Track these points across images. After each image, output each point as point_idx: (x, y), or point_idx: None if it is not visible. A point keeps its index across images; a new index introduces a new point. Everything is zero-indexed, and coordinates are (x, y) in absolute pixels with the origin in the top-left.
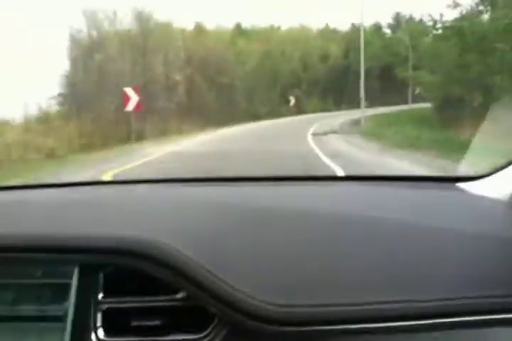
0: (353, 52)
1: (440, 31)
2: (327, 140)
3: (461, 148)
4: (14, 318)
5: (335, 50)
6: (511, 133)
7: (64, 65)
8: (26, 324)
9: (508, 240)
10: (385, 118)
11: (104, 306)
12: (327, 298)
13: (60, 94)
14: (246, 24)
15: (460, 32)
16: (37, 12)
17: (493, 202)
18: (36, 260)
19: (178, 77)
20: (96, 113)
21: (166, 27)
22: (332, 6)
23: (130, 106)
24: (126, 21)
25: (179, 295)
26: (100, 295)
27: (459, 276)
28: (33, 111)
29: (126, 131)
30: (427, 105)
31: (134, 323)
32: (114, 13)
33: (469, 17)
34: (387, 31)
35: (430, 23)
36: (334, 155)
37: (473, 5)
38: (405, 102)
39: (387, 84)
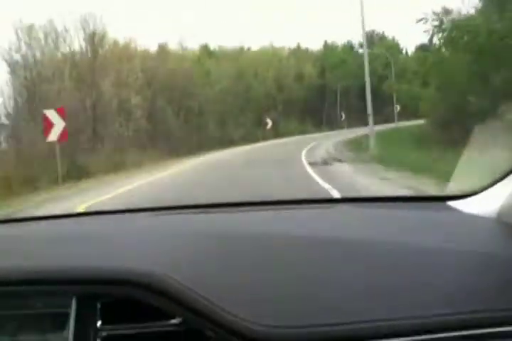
0: (328, 72)
1: (446, 34)
2: (336, 173)
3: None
4: None
5: (309, 69)
6: (500, 149)
7: None
8: None
9: (497, 255)
10: (383, 139)
11: (103, 333)
12: (319, 318)
13: None
14: (214, 45)
15: (474, 31)
16: None
17: (482, 219)
18: (35, 292)
19: (135, 99)
20: (24, 144)
21: (120, 47)
22: (302, 25)
23: (53, 135)
24: (75, 40)
25: (175, 321)
26: (98, 323)
27: (450, 293)
28: None
29: (67, 168)
30: (412, 123)
31: None
32: (65, 31)
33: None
34: (360, 50)
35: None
36: None
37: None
38: (385, 121)
39: (364, 103)
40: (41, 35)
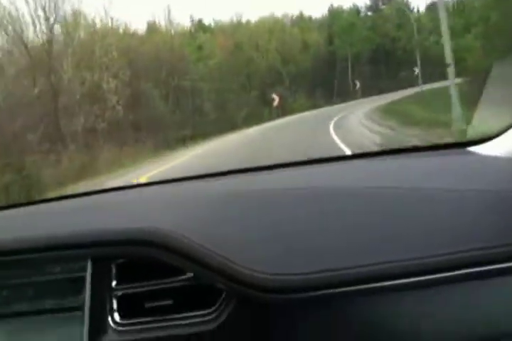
0: (336, 38)
1: None
2: None
3: None
4: (36, 312)
5: (315, 37)
6: None
7: None
8: (47, 316)
9: None
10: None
11: (118, 292)
12: (331, 263)
13: None
14: (209, 20)
15: None
16: None
17: (502, 160)
18: (53, 258)
19: (108, 84)
20: None
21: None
22: None
23: None
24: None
25: (187, 276)
26: (114, 283)
27: (469, 232)
28: None
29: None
30: (442, 84)
31: (147, 305)
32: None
33: None
34: (369, 13)
35: None
36: None
37: None
38: (401, 87)
39: (379, 69)
40: None
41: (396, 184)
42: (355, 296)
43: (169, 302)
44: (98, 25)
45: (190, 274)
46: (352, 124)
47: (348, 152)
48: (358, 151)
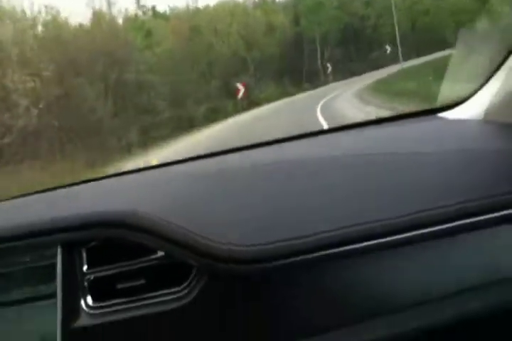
0: (304, 18)
1: None
2: None
3: None
4: (9, 303)
5: (281, 19)
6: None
7: None
8: (21, 306)
9: (483, 151)
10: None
11: (90, 276)
12: (308, 229)
13: None
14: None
15: None
16: None
17: (470, 122)
18: (22, 247)
19: (15, 84)
20: None
21: None
22: None
23: None
24: None
25: (157, 255)
26: (85, 268)
27: (438, 188)
28: None
29: None
30: (425, 59)
31: (119, 286)
32: None
33: None
34: None
35: None
36: None
37: None
38: (373, 68)
39: (349, 50)
40: None
41: (372, 151)
42: (331, 260)
43: (141, 282)
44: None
45: (161, 253)
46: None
47: None
48: None
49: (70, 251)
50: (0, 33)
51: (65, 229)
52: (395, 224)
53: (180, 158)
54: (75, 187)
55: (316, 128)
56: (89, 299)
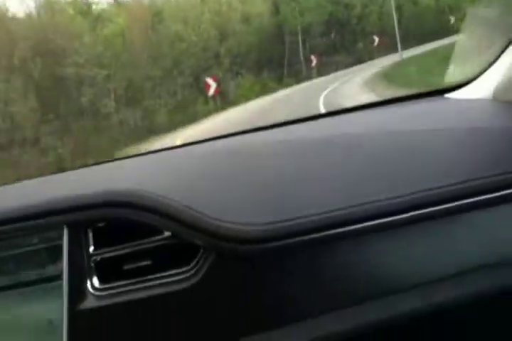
0: (284, 6)
1: None
2: None
3: None
4: (16, 285)
5: (259, 6)
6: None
7: None
8: (29, 288)
9: (492, 130)
10: None
11: (97, 257)
12: (310, 209)
13: None
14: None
15: None
16: None
17: (478, 102)
18: (28, 228)
19: None
20: None
21: None
22: None
23: None
24: None
25: (164, 235)
26: (91, 249)
27: (445, 167)
28: None
29: None
30: (422, 50)
31: (126, 267)
32: None
33: None
34: None
35: None
36: None
37: None
38: (360, 61)
39: (333, 41)
40: None
41: (379, 132)
42: (338, 239)
43: (148, 262)
44: None
45: (168, 233)
46: None
47: None
48: None
49: (77, 232)
50: None
51: (70, 210)
52: (401, 203)
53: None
54: (83, 170)
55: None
56: (95, 280)
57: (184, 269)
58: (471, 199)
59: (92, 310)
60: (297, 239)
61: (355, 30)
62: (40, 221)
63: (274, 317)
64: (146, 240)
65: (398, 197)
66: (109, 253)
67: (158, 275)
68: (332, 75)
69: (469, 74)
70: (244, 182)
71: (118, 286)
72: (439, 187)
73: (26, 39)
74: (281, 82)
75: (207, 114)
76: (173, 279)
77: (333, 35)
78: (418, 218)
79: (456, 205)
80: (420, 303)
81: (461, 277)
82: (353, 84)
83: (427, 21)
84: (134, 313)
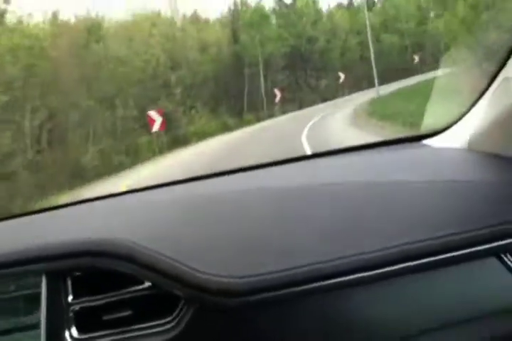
0: (245, 35)
1: None
2: None
3: None
4: None
5: (217, 33)
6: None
7: None
8: (4, 337)
9: (468, 181)
10: None
11: (75, 307)
12: (289, 262)
13: None
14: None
15: None
16: None
17: (454, 151)
18: (6, 275)
19: None
20: None
21: None
22: None
23: None
24: None
25: (144, 285)
26: (70, 298)
27: (423, 220)
28: None
29: None
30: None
31: (105, 317)
32: None
33: None
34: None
35: None
36: None
37: None
38: (324, 99)
39: (296, 75)
40: None
41: (356, 179)
42: (318, 293)
43: (128, 313)
44: None
45: (148, 283)
46: None
47: None
48: None
49: (55, 280)
50: None
51: (49, 258)
52: (380, 257)
53: (153, 184)
54: (48, 213)
55: None
56: (74, 330)
57: (165, 320)
58: (449, 254)
59: None
60: (276, 292)
61: (318, 66)
62: (19, 268)
63: None
64: (126, 290)
65: (375, 251)
66: (88, 302)
67: (138, 326)
68: (301, 112)
69: (447, 118)
70: (219, 230)
71: (97, 337)
72: (413, 242)
73: None
74: (241, 118)
75: (150, 156)
76: (154, 330)
77: (296, 70)
78: (390, 273)
79: (433, 260)
80: None
81: (447, 330)
82: (336, 122)
83: (392, 59)
84: None
